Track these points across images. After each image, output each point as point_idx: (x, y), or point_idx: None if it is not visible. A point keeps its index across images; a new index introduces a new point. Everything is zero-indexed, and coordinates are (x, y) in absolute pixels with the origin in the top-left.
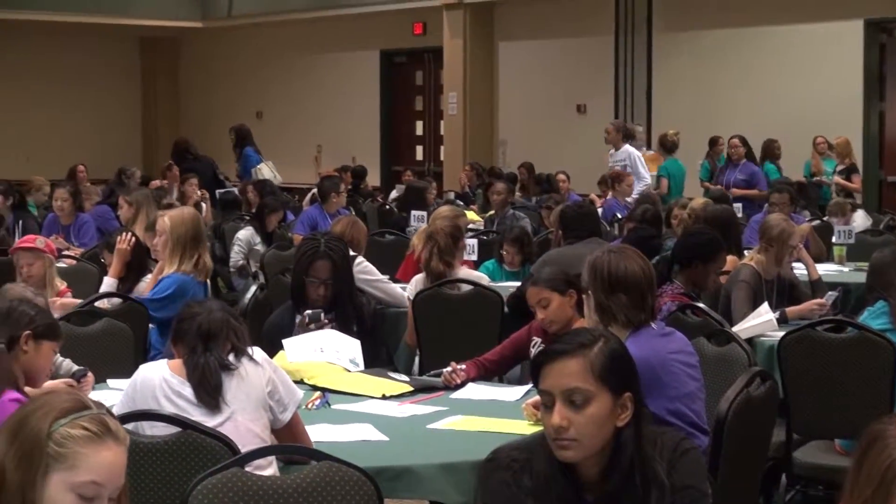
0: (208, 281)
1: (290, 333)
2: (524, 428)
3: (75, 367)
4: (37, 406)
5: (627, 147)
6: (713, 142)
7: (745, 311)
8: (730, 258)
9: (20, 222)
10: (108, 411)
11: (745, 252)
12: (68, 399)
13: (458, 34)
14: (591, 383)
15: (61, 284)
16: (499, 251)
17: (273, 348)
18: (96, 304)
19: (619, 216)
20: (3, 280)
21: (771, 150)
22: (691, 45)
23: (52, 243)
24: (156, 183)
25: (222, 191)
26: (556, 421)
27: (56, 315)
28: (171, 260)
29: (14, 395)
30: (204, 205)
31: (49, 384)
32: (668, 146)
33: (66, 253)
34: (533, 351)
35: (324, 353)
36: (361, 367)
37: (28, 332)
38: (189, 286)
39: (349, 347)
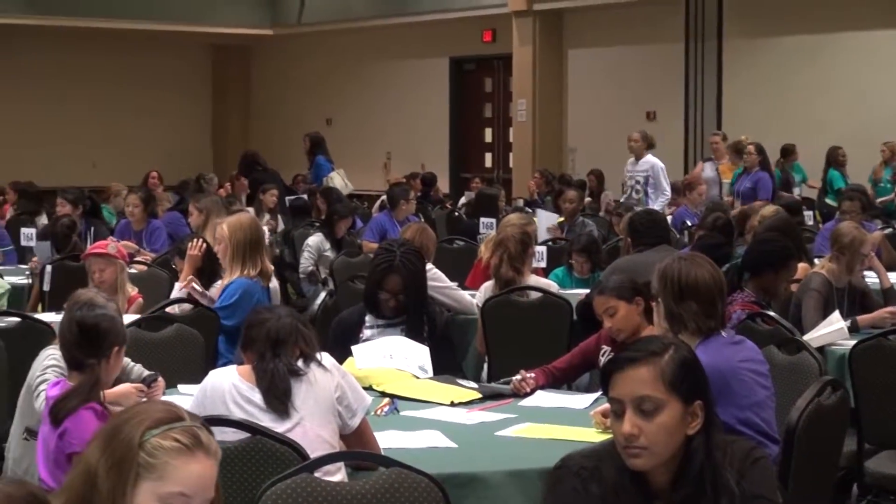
0: (276, 286)
1: (358, 332)
2: (593, 436)
3: (146, 373)
4: (131, 415)
5: (651, 157)
6: (787, 150)
7: (816, 320)
8: (801, 266)
9: (92, 229)
10: (203, 423)
11: (816, 260)
12: (162, 410)
13: (528, 41)
14: (661, 391)
15: (132, 290)
16: (568, 259)
17: (340, 344)
18: (167, 309)
19: (689, 224)
20: (76, 286)
21: (835, 158)
22: (762, 52)
23: (124, 249)
24: (222, 192)
25: (292, 197)
26: (627, 429)
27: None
28: (234, 266)
29: (90, 403)
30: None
31: (120, 389)
32: (742, 153)
33: (137, 259)
34: (602, 359)
35: (393, 360)
36: (430, 373)
37: (116, 347)
38: (254, 291)
39: (418, 354)
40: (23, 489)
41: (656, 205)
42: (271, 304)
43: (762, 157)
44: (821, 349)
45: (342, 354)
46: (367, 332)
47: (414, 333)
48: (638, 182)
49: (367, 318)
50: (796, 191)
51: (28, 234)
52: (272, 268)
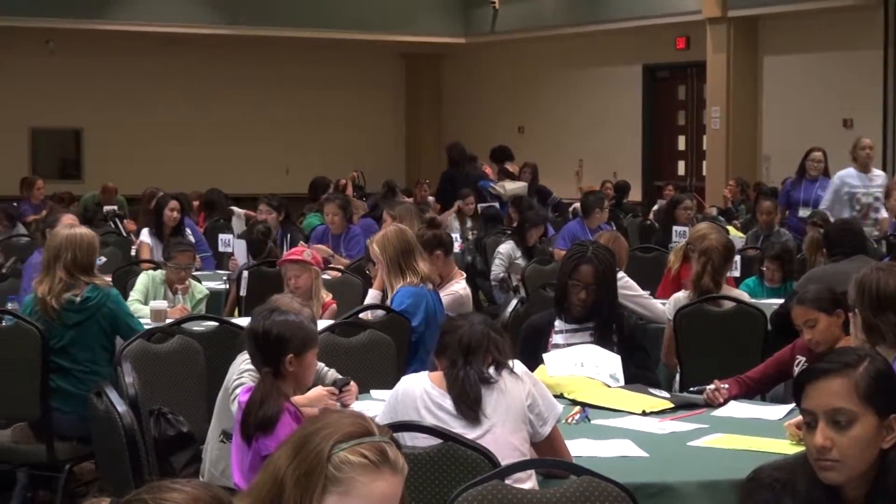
0: (469, 293)
1: (548, 336)
2: (786, 447)
3: (339, 377)
4: (322, 425)
5: (877, 169)
6: None
7: None
8: None
9: (288, 236)
10: (392, 439)
11: None
12: (353, 423)
13: (722, 48)
14: (855, 404)
15: (327, 296)
16: (759, 267)
17: (529, 348)
18: (360, 315)
19: (890, 234)
20: (272, 291)
21: None
22: None
23: (318, 254)
24: (412, 199)
25: (484, 205)
26: (820, 441)
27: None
28: (395, 279)
29: (286, 405)
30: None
31: (313, 392)
32: None
33: (332, 266)
34: (796, 370)
35: (584, 368)
36: (621, 382)
37: (290, 355)
38: (422, 295)
39: (609, 362)
40: (208, 492)
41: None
42: (439, 306)
43: (826, 164)
44: None
45: (531, 358)
46: (556, 338)
47: (603, 337)
48: (877, 199)
49: (557, 322)
50: None
51: (225, 240)
52: (426, 269)
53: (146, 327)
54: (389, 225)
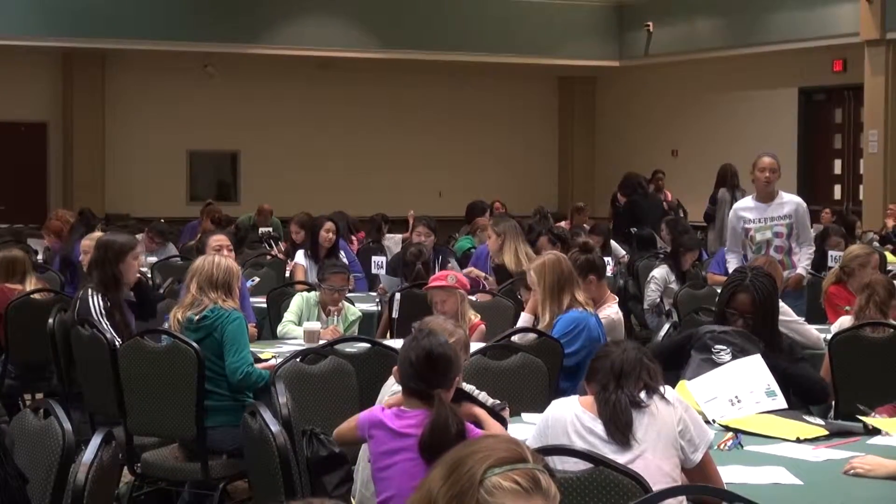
0: (621, 317)
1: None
2: None
3: (491, 400)
4: (477, 448)
5: None
6: None
7: None
8: None
9: (440, 258)
10: (546, 467)
11: None
12: (507, 448)
13: (880, 71)
14: None
15: (475, 317)
16: None
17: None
18: (512, 338)
19: None
20: (423, 313)
21: None
22: None
23: (472, 276)
24: (565, 224)
25: (638, 229)
26: None
27: None
28: (550, 307)
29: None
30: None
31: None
32: None
33: (481, 289)
34: None
35: (742, 404)
36: (775, 387)
37: (458, 375)
38: (584, 318)
39: (757, 377)
40: None
41: None
42: (601, 330)
43: None
44: None
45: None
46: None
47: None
48: None
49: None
50: None
51: (378, 262)
52: (584, 297)
53: (299, 348)
54: (548, 253)
